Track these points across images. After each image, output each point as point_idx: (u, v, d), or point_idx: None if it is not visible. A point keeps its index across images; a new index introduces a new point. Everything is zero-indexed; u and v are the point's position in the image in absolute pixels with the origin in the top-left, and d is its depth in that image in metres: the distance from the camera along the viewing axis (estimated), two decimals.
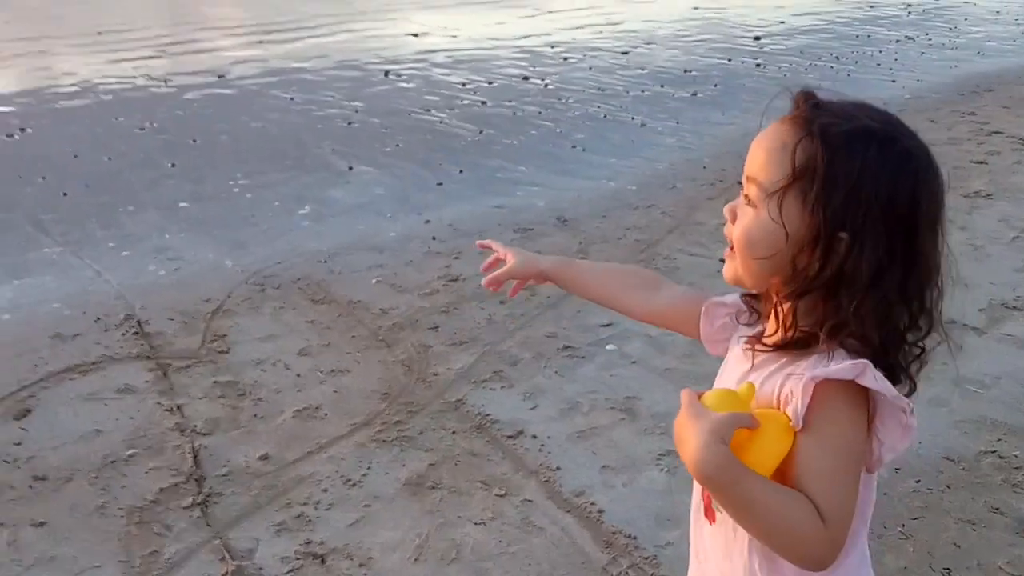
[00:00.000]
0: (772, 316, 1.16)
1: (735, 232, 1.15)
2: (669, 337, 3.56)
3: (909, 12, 11.85)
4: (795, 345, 1.12)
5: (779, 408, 1.10)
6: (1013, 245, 4.41)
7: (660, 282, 1.48)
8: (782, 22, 11.24)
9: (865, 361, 1.06)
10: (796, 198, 1.09)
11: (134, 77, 8.49)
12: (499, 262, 1.57)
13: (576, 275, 1.53)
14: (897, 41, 10.01)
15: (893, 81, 8.21)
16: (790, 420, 1.08)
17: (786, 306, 1.13)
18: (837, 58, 9.15)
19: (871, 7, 12.29)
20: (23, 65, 9.06)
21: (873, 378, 1.05)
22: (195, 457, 2.95)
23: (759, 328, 1.21)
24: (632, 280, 1.50)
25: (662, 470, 2.82)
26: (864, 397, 1.08)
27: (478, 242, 1.68)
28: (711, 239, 4.52)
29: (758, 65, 8.90)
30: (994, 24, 10.96)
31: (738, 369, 1.21)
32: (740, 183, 1.18)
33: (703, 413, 1.07)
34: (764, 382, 1.13)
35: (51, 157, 6.24)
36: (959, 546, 2.47)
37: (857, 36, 10.33)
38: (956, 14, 11.66)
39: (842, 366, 1.06)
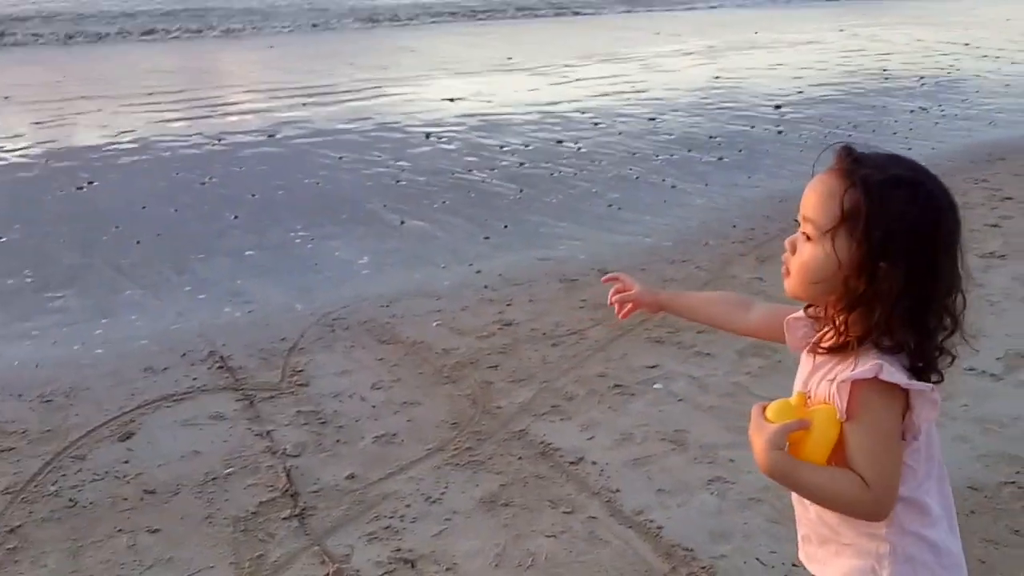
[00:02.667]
0: (830, 325, 1.49)
1: (794, 261, 1.48)
2: (712, 378, 3.89)
3: (922, 84, 12.20)
4: (845, 348, 1.44)
5: (831, 403, 1.43)
6: None
7: (751, 303, 1.84)
8: (800, 91, 11.61)
9: (879, 361, 1.37)
10: (845, 235, 1.41)
11: (188, 135, 8.96)
12: (623, 291, 1.93)
13: (687, 305, 1.92)
14: (911, 111, 10.33)
15: (909, 149, 8.50)
16: (837, 413, 1.41)
17: (840, 318, 1.45)
18: (855, 126, 9.47)
19: (885, 79, 12.68)
20: (83, 122, 9.55)
21: (888, 373, 1.37)
22: (288, 475, 3.26)
23: (819, 335, 1.53)
24: (730, 305, 1.87)
25: (712, 494, 3.11)
26: (896, 387, 1.38)
27: (603, 278, 2.03)
28: (745, 291, 4.83)
29: (780, 132, 9.26)
30: (1004, 96, 11.23)
31: (804, 368, 1.55)
32: (796, 221, 1.52)
33: (763, 427, 1.43)
34: (819, 384, 1.46)
35: (120, 208, 6.66)
36: (983, 562, 2.73)
37: (873, 106, 10.66)
38: (967, 86, 11.97)
39: (863, 368, 1.38)
